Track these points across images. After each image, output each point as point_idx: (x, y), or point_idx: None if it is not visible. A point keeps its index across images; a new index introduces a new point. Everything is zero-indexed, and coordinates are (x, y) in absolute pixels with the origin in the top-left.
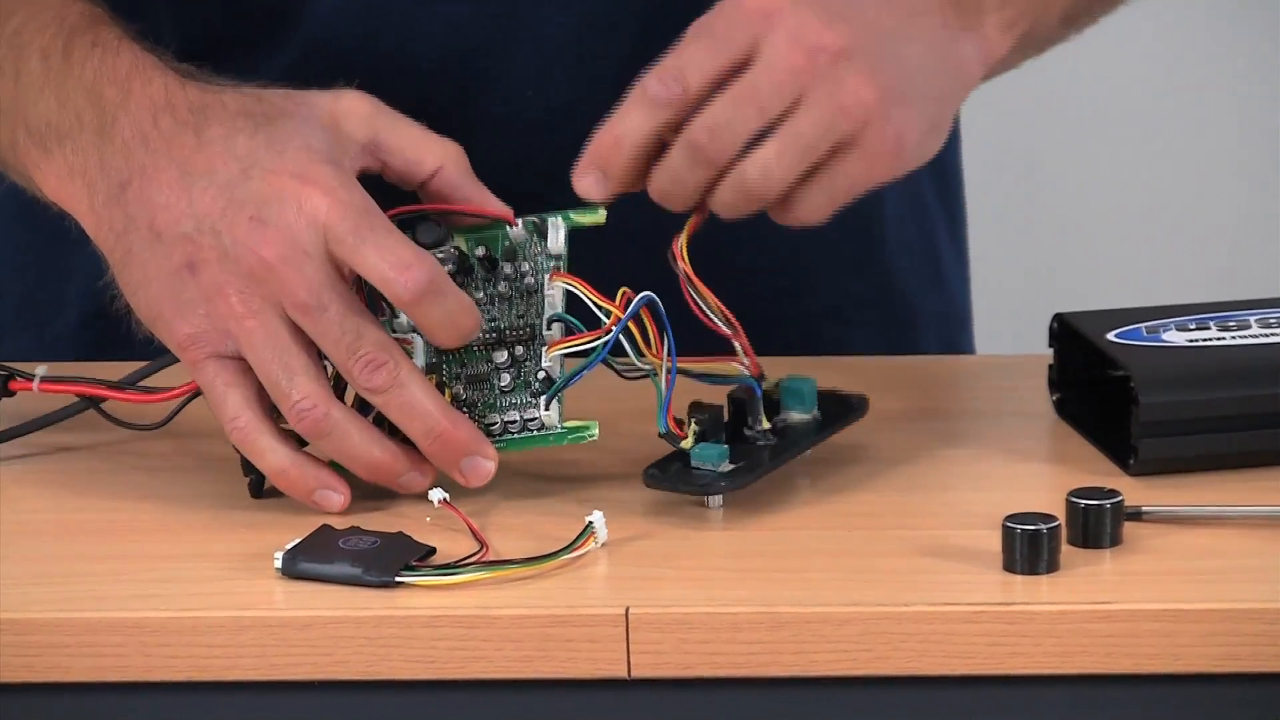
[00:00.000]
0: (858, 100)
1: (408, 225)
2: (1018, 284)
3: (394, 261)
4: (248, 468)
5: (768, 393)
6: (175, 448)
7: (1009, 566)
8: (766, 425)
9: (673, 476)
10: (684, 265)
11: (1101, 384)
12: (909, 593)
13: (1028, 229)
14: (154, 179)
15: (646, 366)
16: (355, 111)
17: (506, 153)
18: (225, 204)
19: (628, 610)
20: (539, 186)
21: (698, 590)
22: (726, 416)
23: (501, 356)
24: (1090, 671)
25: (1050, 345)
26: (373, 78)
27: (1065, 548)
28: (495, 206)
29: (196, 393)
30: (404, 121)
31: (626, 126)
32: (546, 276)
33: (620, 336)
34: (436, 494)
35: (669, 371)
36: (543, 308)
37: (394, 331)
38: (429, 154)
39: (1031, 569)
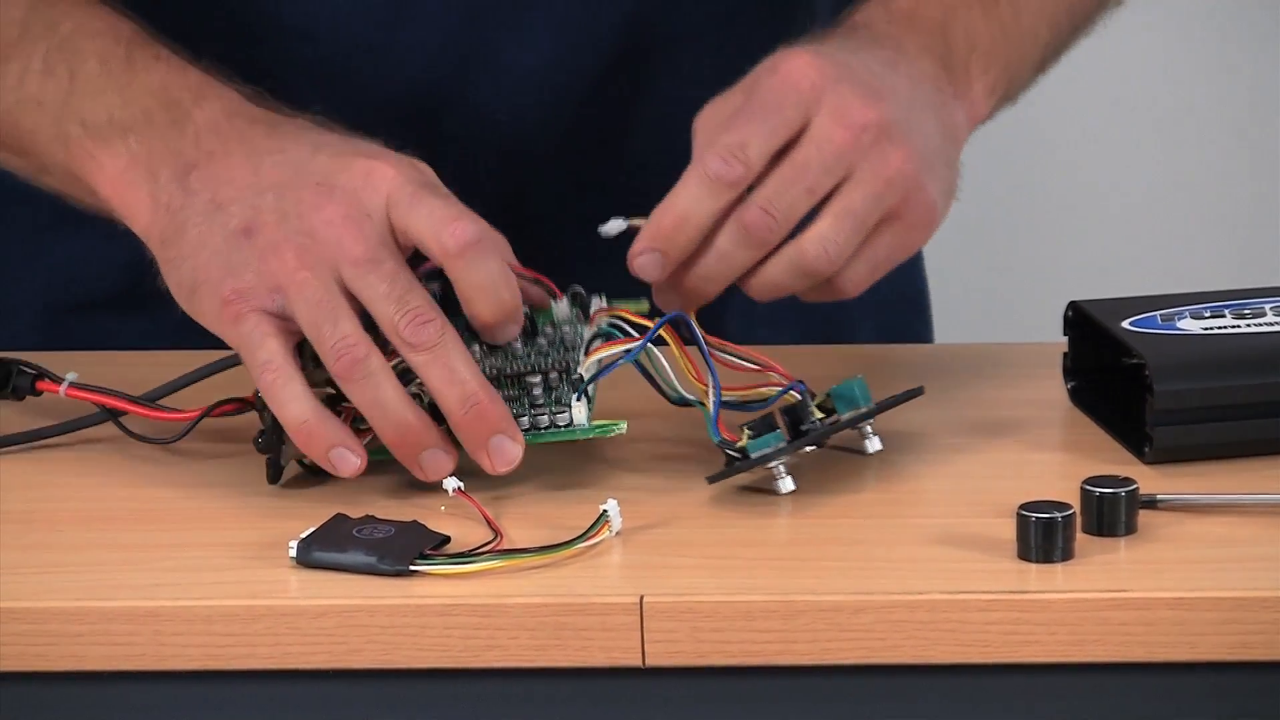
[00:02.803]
0: (900, 173)
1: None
2: (1031, 272)
3: (444, 215)
4: (265, 445)
5: (820, 404)
6: (191, 439)
7: (1024, 555)
8: (820, 415)
9: (735, 467)
10: (698, 331)
11: (1116, 372)
12: (923, 581)
13: (1041, 217)
14: (222, 160)
15: (691, 396)
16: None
17: (478, 174)
18: (292, 174)
19: (642, 599)
20: (506, 204)
21: (712, 579)
22: (783, 430)
23: (535, 379)
24: (1104, 660)
25: (1065, 333)
26: (343, 98)
27: (1080, 536)
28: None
29: (206, 412)
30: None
31: (690, 207)
32: (585, 332)
33: (665, 364)
34: (451, 482)
35: (714, 387)
36: (582, 349)
37: None
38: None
39: (1046, 557)
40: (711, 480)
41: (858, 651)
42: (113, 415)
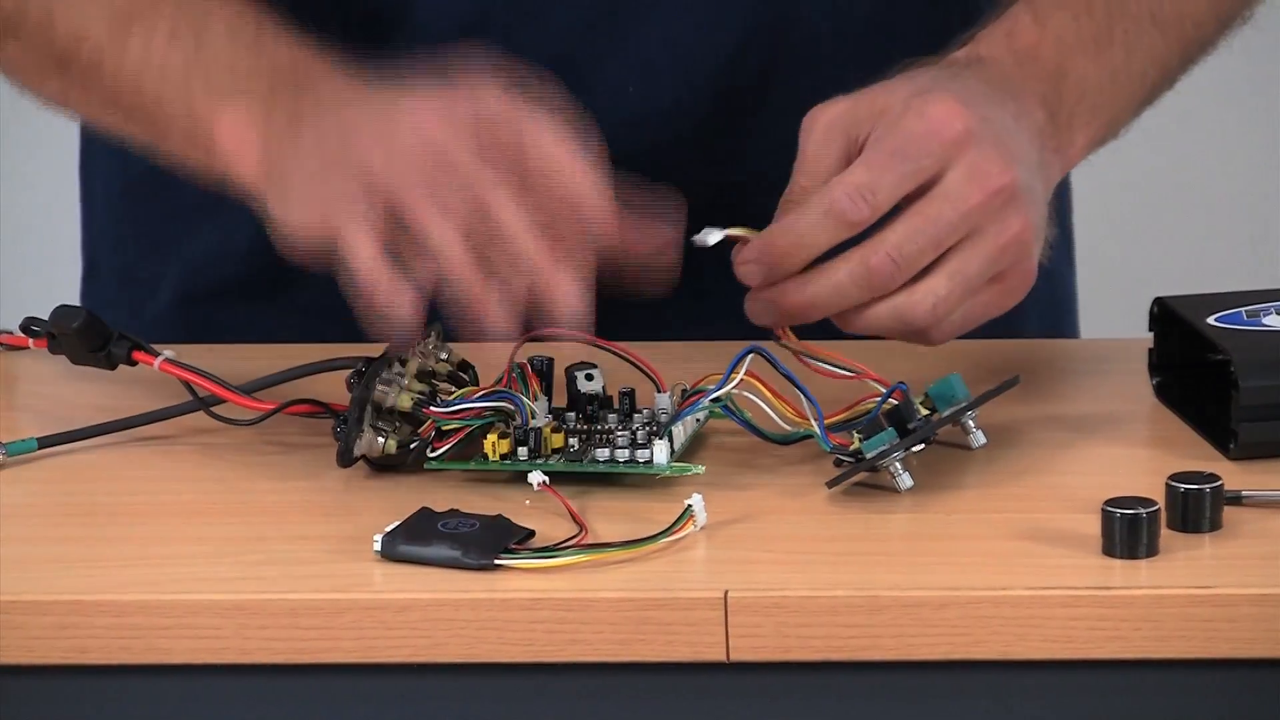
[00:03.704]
0: (1017, 240)
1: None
2: (1118, 268)
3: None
4: (344, 433)
5: (922, 403)
6: (272, 435)
7: (1108, 551)
8: (925, 412)
9: (853, 467)
10: (794, 342)
11: (1202, 368)
12: (1008, 577)
13: (1127, 214)
14: (341, 109)
15: (795, 430)
16: None
17: (606, 147)
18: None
19: (726, 594)
20: (637, 178)
21: (796, 574)
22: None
23: (623, 432)
24: (1188, 656)
25: (1150, 329)
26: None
27: (1165, 532)
28: None
29: (282, 407)
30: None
31: (807, 237)
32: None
33: (765, 406)
34: (536, 477)
35: (815, 414)
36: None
37: None
38: None
39: (1131, 553)
40: (831, 485)
41: (942, 647)
42: (205, 404)
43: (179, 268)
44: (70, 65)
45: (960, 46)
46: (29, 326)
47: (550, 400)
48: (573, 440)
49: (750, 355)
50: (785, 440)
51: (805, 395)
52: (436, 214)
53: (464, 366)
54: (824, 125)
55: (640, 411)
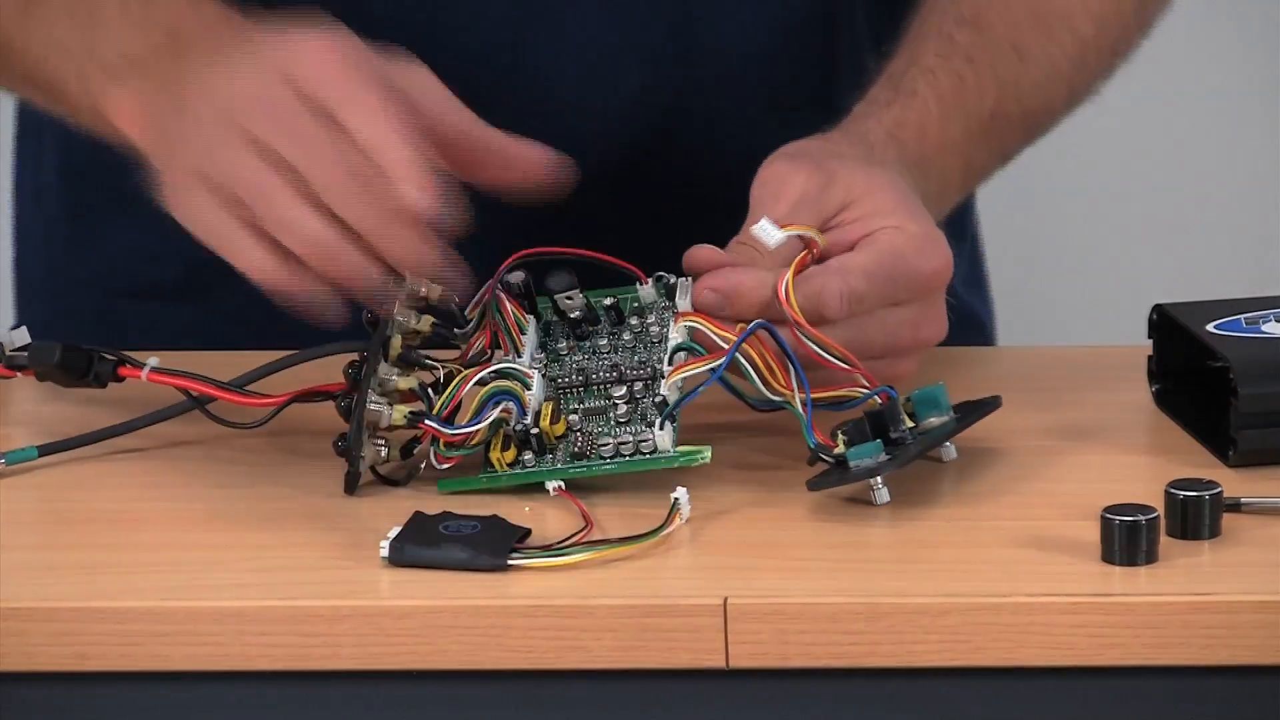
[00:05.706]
0: (945, 264)
1: (538, 269)
2: (1118, 275)
3: None
4: (339, 448)
5: (903, 405)
6: (271, 442)
7: (1107, 558)
8: (910, 424)
9: (835, 477)
10: (793, 312)
11: (1201, 375)
12: (1008, 584)
13: (1126, 221)
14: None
15: (777, 398)
16: None
17: (554, 142)
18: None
19: (726, 601)
20: (590, 174)
21: (796, 581)
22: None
23: (620, 391)
24: (1189, 663)
25: (1150, 336)
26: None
27: (1164, 539)
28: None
29: (292, 399)
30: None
31: (775, 300)
32: (671, 333)
33: (749, 368)
34: (553, 485)
35: (804, 403)
36: (666, 351)
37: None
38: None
39: (1130, 560)
40: (813, 488)
41: (942, 654)
42: (199, 403)
43: (105, 265)
44: None
45: (881, 111)
46: (12, 363)
47: (538, 319)
48: (573, 417)
49: (757, 328)
50: (766, 407)
51: (798, 372)
52: (288, 196)
53: (445, 316)
54: (793, 194)
55: (630, 321)
